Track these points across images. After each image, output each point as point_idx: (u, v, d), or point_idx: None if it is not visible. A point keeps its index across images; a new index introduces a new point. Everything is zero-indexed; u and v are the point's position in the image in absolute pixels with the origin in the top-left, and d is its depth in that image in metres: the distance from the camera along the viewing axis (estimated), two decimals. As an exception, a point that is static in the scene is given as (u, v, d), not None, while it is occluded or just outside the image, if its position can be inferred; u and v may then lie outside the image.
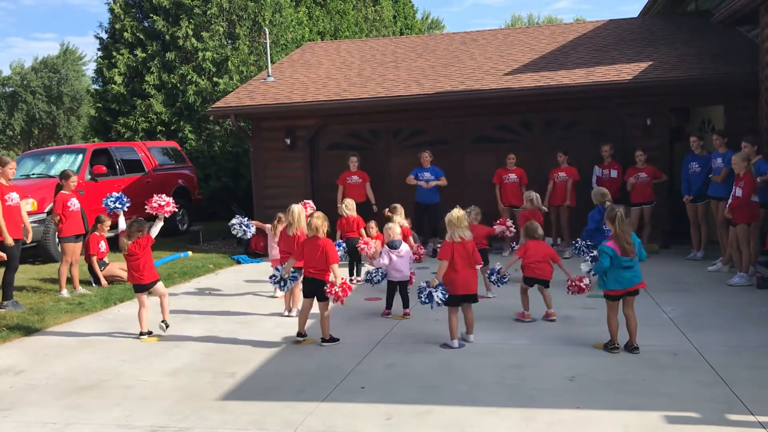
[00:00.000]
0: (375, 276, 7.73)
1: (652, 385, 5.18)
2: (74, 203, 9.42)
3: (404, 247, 7.63)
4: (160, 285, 7.31)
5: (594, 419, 4.61)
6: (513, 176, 11.67)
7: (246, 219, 8.85)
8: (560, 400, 4.98)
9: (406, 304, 7.71)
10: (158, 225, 7.27)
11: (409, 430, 4.62)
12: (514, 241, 9.47)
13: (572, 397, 5.01)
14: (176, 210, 7.49)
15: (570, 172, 11.38)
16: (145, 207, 7.38)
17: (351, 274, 9.88)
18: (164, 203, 7.28)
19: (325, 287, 6.45)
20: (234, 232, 8.80)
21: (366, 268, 9.68)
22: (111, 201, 7.64)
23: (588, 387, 5.21)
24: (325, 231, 6.66)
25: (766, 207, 8.90)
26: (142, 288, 7.18)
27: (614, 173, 11.33)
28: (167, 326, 7.22)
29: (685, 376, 5.34)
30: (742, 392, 4.92)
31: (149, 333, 7.21)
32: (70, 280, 9.53)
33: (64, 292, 9.30)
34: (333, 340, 6.68)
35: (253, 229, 8.87)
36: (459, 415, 4.80)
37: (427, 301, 6.27)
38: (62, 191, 9.42)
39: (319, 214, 6.77)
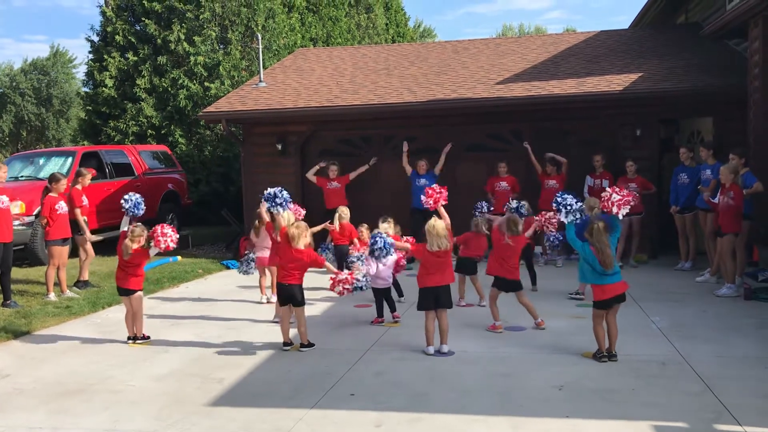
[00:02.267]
0: (361, 283, 7.61)
1: (641, 395, 5.19)
2: (62, 206, 9.38)
3: (391, 257, 7.60)
4: (138, 295, 7.17)
5: (583, 429, 4.62)
6: (504, 184, 11.69)
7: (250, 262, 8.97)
8: (549, 409, 4.99)
9: (392, 308, 7.73)
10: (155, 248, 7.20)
11: (398, 438, 4.62)
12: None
13: (561, 406, 5.02)
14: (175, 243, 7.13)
15: (558, 180, 11.40)
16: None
17: None
18: (170, 238, 6.99)
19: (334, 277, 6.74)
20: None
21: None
22: (130, 204, 7.53)
23: (577, 396, 5.22)
24: (305, 243, 6.67)
25: (750, 219, 8.97)
26: (125, 292, 7.13)
27: (605, 183, 11.36)
28: (145, 338, 7.19)
29: (674, 386, 5.36)
30: (729, 402, 4.94)
31: (137, 337, 7.17)
32: (57, 284, 9.47)
33: (52, 296, 9.24)
34: (310, 345, 6.72)
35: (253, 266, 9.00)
36: (448, 423, 4.80)
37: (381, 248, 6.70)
38: (50, 194, 9.37)
39: (301, 224, 6.78)
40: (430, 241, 6.42)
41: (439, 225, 6.43)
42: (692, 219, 10.45)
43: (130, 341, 7.13)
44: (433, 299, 6.43)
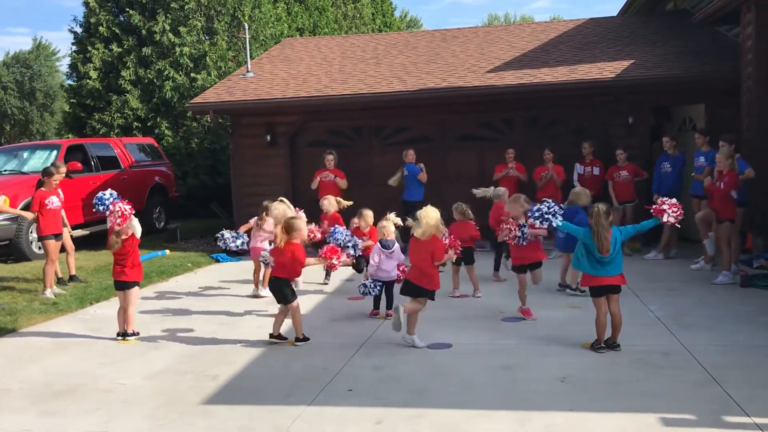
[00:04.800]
0: (372, 289, 7.40)
1: (646, 386, 5.10)
2: (53, 201, 9.11)
3: (396, 248, 7.46)
4: (135, 290, 7.02)
5: (589, 422, 4.51)
6: (512, 171, 11.57)
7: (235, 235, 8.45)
8: (553, 402, 4.88)
9: (389, 305, 7.55)
10: (135, 225, 7.00)
11: (400, 435, 4.49)
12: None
13: (565, 399, 4.91)
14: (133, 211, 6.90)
15: (557, 171, 11.27)
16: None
17: (327, 276, 9.71)
18: (126, 213, 6.78)
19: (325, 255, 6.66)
20: (221, 244, 8.43)
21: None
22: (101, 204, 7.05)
23: (581, 388, 5.12)
24: (302, 238, 6.61)
25: (744, 206, 8.91)
26: (122, 285, 6.95)
27: (596, 170, 11.30)
28: (134, 334, 7.01)
29: (678, 377, 5.27)
30: (735, 393, 4.85)
31: (127, 334, 6.99)
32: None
33: (48, 292, 8.97)
34: (305, 339, 6.59)
35: (243, 238, 8.49)
36: (451, 418, 4.68)
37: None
38: (41, 188, 9.14)
39: (302, 219, 6.68)
40: (415, 227, 6.30)
41: (431, 212, 6.28)
42: None
43: (120, 338, 6.96)
44: (416, 292, 6.33)
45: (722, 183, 8.62)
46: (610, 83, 11.32)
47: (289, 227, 6.50)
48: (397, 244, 7.44)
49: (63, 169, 10.03)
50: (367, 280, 7.48)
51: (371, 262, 7.37)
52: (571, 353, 5.96)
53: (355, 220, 8.83)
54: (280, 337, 6.61)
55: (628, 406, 4.73)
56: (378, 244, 7.42)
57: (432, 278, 6.31)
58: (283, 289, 6.52)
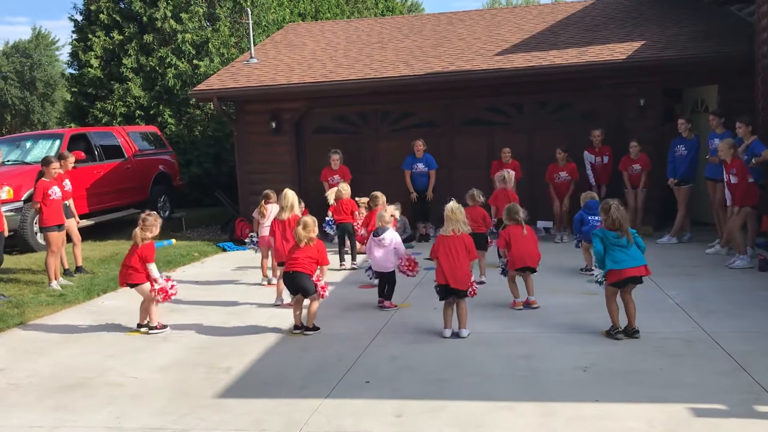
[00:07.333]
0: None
1: (670, 376, 4.95)
2: (55, 191, 8.93)
3: (387, 236, 7.21)
4: (143, 287, 6.82)
5: (616, 413, 4.37)
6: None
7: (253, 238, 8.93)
8: (576, 392, 4.73)
9: (388, 296, 7.34)
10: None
11: (423, 429, 4.35)
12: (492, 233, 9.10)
13: (589, 390, 4.77)
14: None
15: (571, 171, 11.00)
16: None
17: (341, 260, 9.60)
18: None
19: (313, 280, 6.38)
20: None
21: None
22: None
23: (603, 378, 4.97)
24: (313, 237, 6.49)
25: (762, 188, 8.75)
26: (131, 286, 6.82)
27: (606, 159, 11.11)
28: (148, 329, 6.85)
29: (703, 365, 5.12)
30: (766, 382, 4.69)
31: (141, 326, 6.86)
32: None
33: (54, 284, 8.83)
34: (315, 329, 6.45)
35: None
36: (472, 410, 4.53)
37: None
38: (43, 179, 8.96)
39: (307, 220, 6.50)
40: (446, 226, 6.15)
41: (456, 207, 6.15)
42: (686, 192, 10.17)
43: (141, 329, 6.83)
44: (449, 293, 6.14)
45: (732, 174, 8.47)
46: (622, 65, 11.10)
47: (298, 237, 6.42)
48: (389, 234, 7.24)
49: (72, 159, 9.87)
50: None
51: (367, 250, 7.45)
52: (592, 341, 5.82)
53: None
54: (306, 328, 6.44)
55: (654, 396, 4.58)
56: (371, 234, 7.34)
57: (467, 277, 6.12)
58: (305, 283, 6.36)
